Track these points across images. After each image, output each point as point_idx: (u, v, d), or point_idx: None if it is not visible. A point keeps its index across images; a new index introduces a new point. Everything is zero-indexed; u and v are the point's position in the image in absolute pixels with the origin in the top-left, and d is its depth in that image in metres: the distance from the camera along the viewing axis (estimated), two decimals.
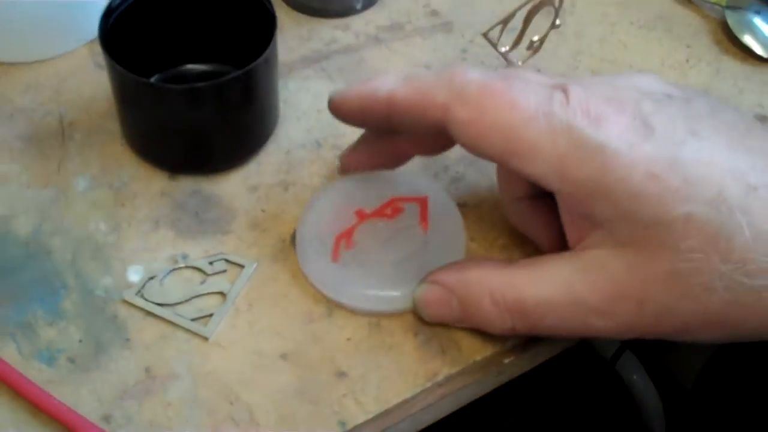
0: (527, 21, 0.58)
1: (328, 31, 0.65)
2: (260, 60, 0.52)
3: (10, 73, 0.61)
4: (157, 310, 0.50)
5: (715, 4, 0.68)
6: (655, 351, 1.30)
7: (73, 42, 0.62)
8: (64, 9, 0.60)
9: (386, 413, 0.47)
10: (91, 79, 0.61)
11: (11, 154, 0.57)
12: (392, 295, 0.50)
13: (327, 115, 0.53)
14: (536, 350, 0.51)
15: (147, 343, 0.49)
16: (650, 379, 1.33)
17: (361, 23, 0.66)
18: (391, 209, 0.53)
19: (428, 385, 0.48)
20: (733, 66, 0.66)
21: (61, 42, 0.62)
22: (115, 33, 0.54)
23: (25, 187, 0.55)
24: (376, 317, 0.51)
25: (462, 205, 0.56)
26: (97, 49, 0.62)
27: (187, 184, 0.56)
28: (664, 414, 1.08)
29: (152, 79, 0.59)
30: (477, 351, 0.50)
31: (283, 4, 0.66)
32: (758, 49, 0.66)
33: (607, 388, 1.29)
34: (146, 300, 0.51)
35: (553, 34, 0.62)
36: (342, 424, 0.47)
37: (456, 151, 0.58)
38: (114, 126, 0.58)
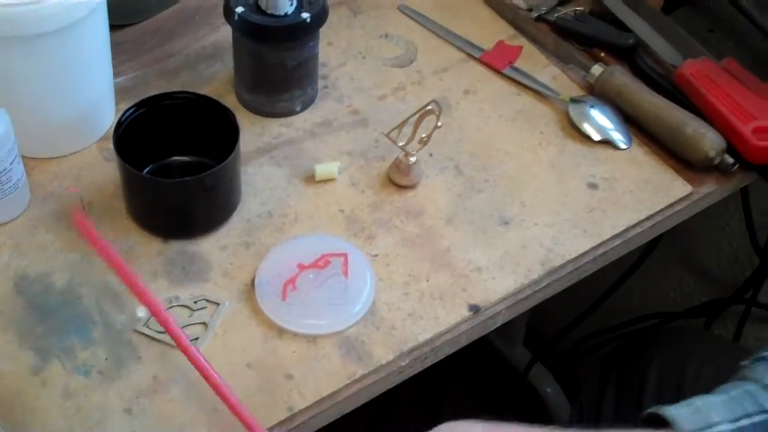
0: (417, 124, 0.81)
1: (276, 128, 0.88)
2: (229, 159, 0.74)
3: (42, 166, 0.82)
4: (159, 336, 0.72)
5: (562, 99, 0.92)
6: (567, 363, 1.49)
7: (86, 141, 0.84)
8: (80, 118, 0.82)
9: (320, 401, 0.70)
10: (101, 169, 0.83)
11: (46, 228, 0.78)
12: (324, 323, 0.73)
13: (277, 192, 0.76)
14: (425, 356, 0.74)
15: (153, 359, 0.71)
16: (561, 390, 1.53)
17: (300, 121, 0.89)
18: (322, 262, 0.75)
19: (348, 381, 0.71)
20: (573, 147, 0.89)
21: (78, 142, 0.84)
22: (122, 138, 0.75)
23: (58, 252, 0.77)
24: (313, 337, 0.73)
25: (374, 255, 0.78)
26: (105, 146, 0.84)
27: (176, 246, 0.78)
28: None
29: (147, 169, 0.81)
30: (383, 357, 0.72)
31: (242, 108, 0.88)
32: (593, 134, 0.90)
33: (520, 399, 1.48)
34: (151, 329, 0.72)
35: (442, 124, 0.83)
36: (290, 409, 0.69)
37: (370, 216, 0.81)
38: (120, 205, 0.80)
